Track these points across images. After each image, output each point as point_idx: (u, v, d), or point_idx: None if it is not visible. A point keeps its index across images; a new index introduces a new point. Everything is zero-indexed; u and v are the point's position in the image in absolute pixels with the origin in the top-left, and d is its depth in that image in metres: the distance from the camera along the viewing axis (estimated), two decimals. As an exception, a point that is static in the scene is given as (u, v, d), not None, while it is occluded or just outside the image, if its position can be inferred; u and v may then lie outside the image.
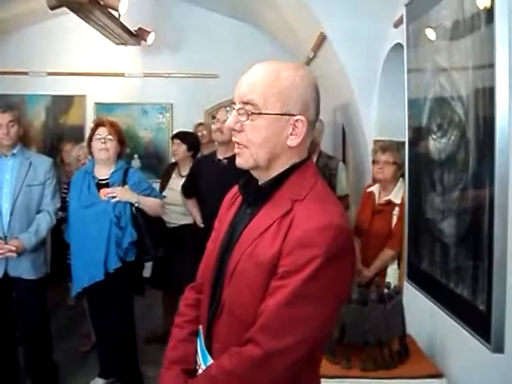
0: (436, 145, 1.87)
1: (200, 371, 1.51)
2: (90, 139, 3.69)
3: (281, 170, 1.44)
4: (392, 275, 3.58)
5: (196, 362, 1.56)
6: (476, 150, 1.59)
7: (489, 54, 1.49)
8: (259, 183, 1.50)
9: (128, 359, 3.79)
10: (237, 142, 1.44)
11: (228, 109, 1.48)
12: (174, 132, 5.04)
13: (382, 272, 3.59)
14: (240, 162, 1.45)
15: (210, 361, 1.46)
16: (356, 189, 4.96)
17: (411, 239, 2.19)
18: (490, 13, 1.49)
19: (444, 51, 1.81)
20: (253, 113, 1.39)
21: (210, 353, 1.48)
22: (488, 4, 1.51)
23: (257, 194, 1.48)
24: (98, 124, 3.71)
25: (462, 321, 1.70)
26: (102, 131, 3.63)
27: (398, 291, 2.59)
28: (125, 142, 3.85)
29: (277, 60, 1.47)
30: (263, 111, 1.38)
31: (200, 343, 1.56)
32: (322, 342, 1.45)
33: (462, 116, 1.68)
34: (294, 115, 1.40)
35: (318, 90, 1.46)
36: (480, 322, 1.57)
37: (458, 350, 2.50)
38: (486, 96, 1.52)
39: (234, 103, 1.44)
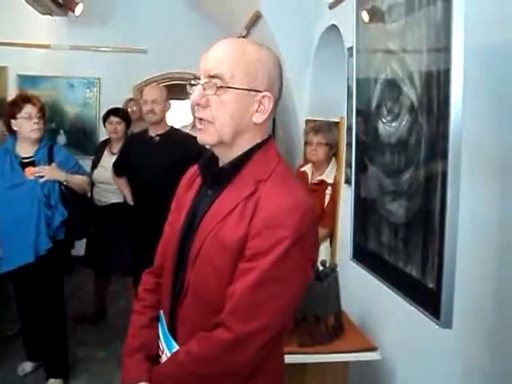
0: (386, 128, 1.91)
1: (163, 357, 1.50)
2: (13, 116, 3.44)
3: (244, 147, 1.43)
4: (324, 253, 3.67)
5: (158, 348, 1.54)
6: (429, 133, 1.64)
7: (445, 36, 1.52)
8: (220, 163, 1.48)
9: (56, 342, 3.69)
10: (200, 118, 1.41)
11: (193, 82, 1.43)
12: (108, 108, 4.88)
13: (315, 250, 3.66)
14: (203, 138, 1.42)
15: (175, 346, 1.45)
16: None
17: (356, 219, 2.25)
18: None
19: (396, 33, 1.83)
20: (221, 86, 1.36)
21: (175, 337, 1.46)
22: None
23: (219, 175, 1.46)
24: (25, 101, 3.46)
25: (411, 298, 1.77)
26: (32, 109, 3.42)
27: (334, 268, 2.67)
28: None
29: (240, 38, 1.46)
30: (231, 85, 1.36)
31: (162, 328, 1.53)
32: (290, 322, 1.47)
33: (415, 101, 1.72)
34: (260, 91, 1.39)
35: (281, 68, 1.46)
36: (429, 300, 1.63)
37: (391, 324, 2.63)
38: (441, 79, 1.56)
39: (199, 78, 1.40)
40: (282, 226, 1.29)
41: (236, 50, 1.39)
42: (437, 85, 1.58)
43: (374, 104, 2.01)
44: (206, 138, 1.42)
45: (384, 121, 1.92)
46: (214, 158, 1.50)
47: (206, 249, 1.38)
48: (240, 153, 1.43)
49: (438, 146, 1.57)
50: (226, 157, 1.45)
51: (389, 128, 1.88)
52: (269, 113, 1.42)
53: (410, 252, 1.76)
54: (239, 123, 1.39)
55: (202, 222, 1.43)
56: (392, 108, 1.85)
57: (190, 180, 1.60)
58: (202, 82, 1.39)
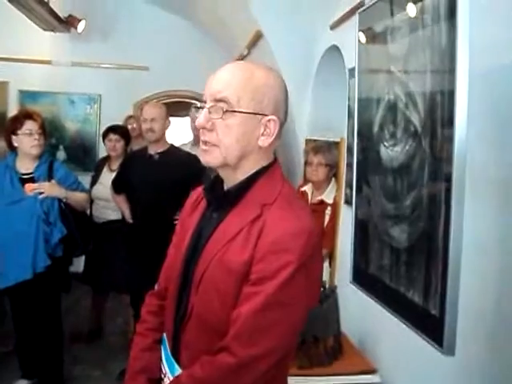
0: (388, 152, 1.90)
1: (166, 380, 1.47)
2: (13, 132, 3.45)
3: (249, 171, 1.42)
4: (323, 273, 3.65)
5: (161, 370, 1.52)
6: (432, 157, 1.63)
7: (449, 59, 1.53)
8: (225, 186, 1.47)
9: (52, 359, 3.65)
10: (205, 141, 1.40)
11: (199, 105, 1.43)
12: (107, 126, 4.87)
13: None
14: (207, 160, 1.41)
15: (178, 369, 1.43)
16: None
17: (357, 242, 2.23)
18: (451, 19, 1.53)
19: (399, 56, 1.84)
20: (227, 110, 1.35)
21: (178, 361, 1.44)
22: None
23: (224, 198, 1.45)
24: (26, 117, 3.47)
25: (413, 324, 1.74)
26: (32, 125, 3.43)
27: (334, 290, 2.65)
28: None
29: (247, 62, 1.46)
30: (237, 109, 1.35)
31: (165, 351, 1.51)
32: (294, 346, 1.46)
33: (418, 126, 1.72)
34: (266, 115, 1.38)
35: (287, 93, 1.46)
36: (432, 327, 1.61)
37: (391, 346, 2.61)
38: (445, 101, 1.56)
39: (205, 101, 1.40)
40: (288, 250, 1.28)
41: (243, 74, 1.38)
42: (441, 107, 1.58)
43: (375, 127, 2.00)
44: (210, 159, 1.41)
45: (386, 145, 1.91)
46: (219, 181, 1.49)
47: (210, 272, 1.37)
48: (244, 176, 1.42)
49: (441, 169, 1.56)
50: (230, 180, 1.44)
51: (391, 152, 1.88)
52: (274, 136, 1.41)
53: (412, 277, 1.74)
54: (245, 146, 1.38)
55: (206, 245, 1.42)
56: (394, 132, 1.85)
57: (195, 203, 1.59)
58: (207, 105, 1.38)
